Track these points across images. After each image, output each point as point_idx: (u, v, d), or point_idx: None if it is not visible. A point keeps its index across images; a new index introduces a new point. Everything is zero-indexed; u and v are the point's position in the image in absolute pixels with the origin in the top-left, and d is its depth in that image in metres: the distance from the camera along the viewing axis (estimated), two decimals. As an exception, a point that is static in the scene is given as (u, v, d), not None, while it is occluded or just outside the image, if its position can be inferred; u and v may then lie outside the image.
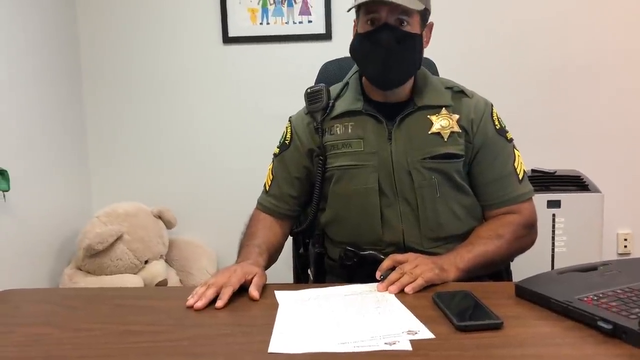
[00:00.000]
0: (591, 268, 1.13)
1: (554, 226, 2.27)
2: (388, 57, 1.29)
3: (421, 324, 0.95)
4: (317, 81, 1.66)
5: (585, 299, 0.96)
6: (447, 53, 2.21)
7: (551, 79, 2.68)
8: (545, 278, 1.09)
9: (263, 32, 2.74)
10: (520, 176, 1.37)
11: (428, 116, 1.35)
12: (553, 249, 2.27)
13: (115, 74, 2.80)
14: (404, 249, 1.31)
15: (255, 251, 1.30)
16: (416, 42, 1.31)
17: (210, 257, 2.71)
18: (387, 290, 1.11)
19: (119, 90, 2.81)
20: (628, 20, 2.65)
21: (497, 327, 0.92)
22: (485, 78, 2.61)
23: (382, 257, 1.24)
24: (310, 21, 2.73)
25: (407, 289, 1.10)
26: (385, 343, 0.88)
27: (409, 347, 0.86)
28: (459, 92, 1.39)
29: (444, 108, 1.36)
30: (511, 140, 1.40)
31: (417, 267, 1.15)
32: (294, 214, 1.46)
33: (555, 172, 2.40)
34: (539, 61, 2.68)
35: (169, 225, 2.63)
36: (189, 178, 2.84)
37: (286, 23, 2.73)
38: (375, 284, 1.15)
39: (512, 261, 1.44)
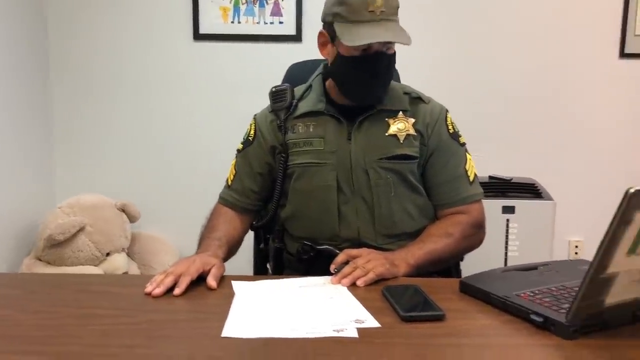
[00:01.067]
0: (532, 268, 1.20)
1: (507, 231, 2.37)
2: (376, 82, 1.38)
3: (369, 314, 1.01)
4: (284, 81, 1.71)
5: (522, 294, 1.03)
6: (411, 62, 2.29)
7: (510, 90, 2.79)
8: (488, 275, 1.16)
9: (234, 30, 2.77)
10: (471, 178, 1.44)
11: (386, 119, 1.41)
12: (506, 253, 2.37)
13: (83, 67, 2.79)
14: (359, 244, 1.36)
15: (215, 244, 1.34)
16: (395, 61, 1.40)
17: (172, 252, 2.73)
18: (340, 282, 1.17)
19: (86, 83, 2.80)
20: (580, 35, 2.78)
21: (440, 318, 0.98)
22: (448, 87, 2.70)
23: (337, 251, 1.29)
24: (281, 22, 2.77)
25: (358, 282, 1.16)
26: (334, 330, 0.93)
27: (355, 335, 0.92)
28: (417, 98, 1.47)
29: (401, 112, 1.43)
30: (464, 144, 1.47)
31: (370, 262, 1.21)
32: (254, 209, 1.50)
33: (512, 179, 2.50)
34: (499, 73, 2.79)
35: (132, 219, 2.64)
36: (154, 173, 2.85)
37: (257, 23, 2.77)
38: (329, 277, 1.20)
39: (461, 260, 1.51)
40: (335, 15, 1.34)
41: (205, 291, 1.14)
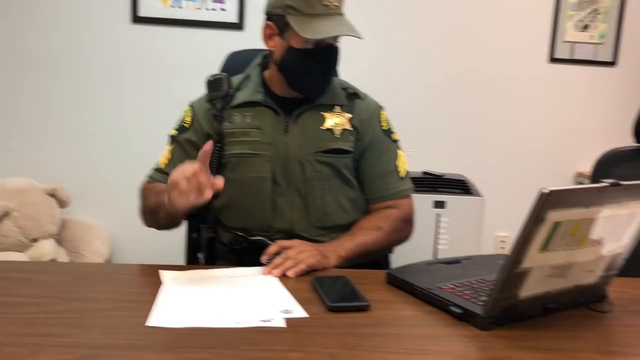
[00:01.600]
0: (455, 261, 1.26)
1: (438, 225, 2.44)
2: (326, 74, 1.42)
3: (297, 304, 1.02)
4: (222, 70, 1.69)
5: (444, 287, 1.08)
6: (349, 58, 2.32)
7: (445, 90, 2.88)
8: (414, 268, 1.20)
9: (174, 15, 2.72)
10: (402, 174, 1.48)
11: (322, 113, 1.44)
12: (436, 246, 2.44)
13: (17, 48, 2.67)
14: (292, 236, 1.37)
15: None
16: (340, 55, 1.43)
17: (104, 239, 2.66)
18: (270, 273, 1.18)
19: (21, 64, 2.68)
20: (512, 40, 2.89)
21: (365, 309, 1.01)
22: (384, 85, 2.76)
23: (270, 242, 1.30)
24: (223, 9, 2.74)
25: (289, 273, 1.18)
26: (261, 320, 0.94)
27: (283, 324, 0.94)
28: (353, 94, 1.50)
29: (338, 107, 1.45)
30: (396, 141, 1.51)
31: (301, 253, 1.22)
32: None
33: (444, 175, 2.58)
34: (435, 73, 2.87)
35: (62, 204, 2.55)
36: (87, 158, 2.76)
37: (198, 9, 2.73)
38: (260, 268, 1.21)
39: (391, 252, 1.55)
40: (287, 7, 1.34)
41: (131, 279, 1.12)
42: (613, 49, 2.97)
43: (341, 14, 1.37)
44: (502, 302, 0.95)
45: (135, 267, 1.23)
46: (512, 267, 0.92)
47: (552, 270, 0.97)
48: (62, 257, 2.52)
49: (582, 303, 1.08)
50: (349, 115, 1.45)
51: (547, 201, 0.86)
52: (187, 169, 1.13)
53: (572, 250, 0.96)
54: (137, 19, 2.70)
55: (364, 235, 1.37)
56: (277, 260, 1.21)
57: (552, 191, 0.85)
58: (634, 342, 0.96)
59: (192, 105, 1.50)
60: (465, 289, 1.07)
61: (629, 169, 1.65)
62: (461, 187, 2.53)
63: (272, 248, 1.25)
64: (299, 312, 0.99)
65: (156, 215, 1.36)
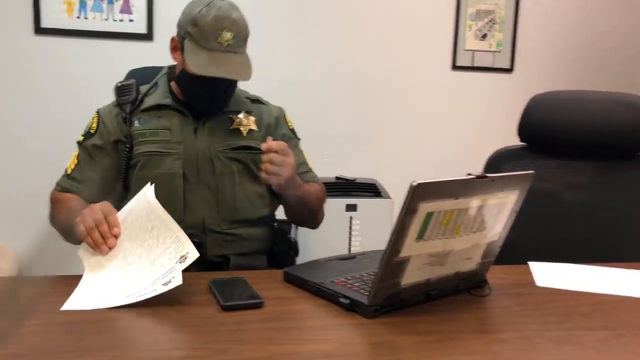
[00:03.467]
0: (351, 257, 1.32)
1: (350, 227, 2.52)
2: (215, 100, 1.46)
3: (190, 243, 1.10)
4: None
5: (337, 281, 1.13)
6: (264, 67, 2.37)
7: (356, 97, 2.98)
8: (311, 265, 1.25)
9: (80, 26, 2.66)
10: (310, 166, 1.61)
11: (229, 116, 1.51)
12: (349, 248, 2.51)
13: None
14: (204, 230, 1.43)
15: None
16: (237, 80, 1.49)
17: (7, 256, 2.55)
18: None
19: None
20: (417, 48, 3.04)
21: (258, 305, 1.04)
22: (298, 93, 2.83)
23: None
24: (131, 20, 2.72)
25: (271, 179, 1.30)
26: (163, 284, 1.04)
27: (180, 282, 1.04)
28: (256, 101, 1.59)
29: (243, 112, 1.53)
30: (299, 139, 1.63)
31: (283, 169, 1.30)
32: (94, 199, 1.46)
33: (355, 179, 2.66)
34: (345, 81, 2.97)
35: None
36: (-11, 173, 2.65)
37: (105, 20, 2.69)
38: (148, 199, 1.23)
39: (314, 227, 1.61)
40: (187, 33, 1.40)
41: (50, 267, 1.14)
42: (510, 56, 3.17)
43: (237, 52, 1.40)
44: (385, 290, 1.01)
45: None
46: (390, 257, 0.98)
47: (430, 258, 1.04)
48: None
49: (464, 289, 1.16)
50: (253, 118, 1.53)
51: (417, 193, 0.93)
52: (98, 213, 1.18)
53: (448, 239, 1.04)
54: (40, 30, 2.63)
55: (309, 187, 1.51)
56: (262, 157, 1.30)
57: (420, 184, 0.92)
58: (505, 321, 1.05)
59: (98, 112, 1.53)
60: (356, 281, 1.13)
61: (516, 165, 1.78)
62: (372, 190, 2.61)
63: (272, 145, 1.30)
64: (193, 254, 1.07)
65: (67, 235, 1.36)
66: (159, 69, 1.60)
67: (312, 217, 1.56)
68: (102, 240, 1.16)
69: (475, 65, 3.14)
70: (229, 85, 1.47)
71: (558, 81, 3.15)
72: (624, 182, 1.64)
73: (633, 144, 1.62)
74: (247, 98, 1.57)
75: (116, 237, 1.17)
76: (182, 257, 1.07)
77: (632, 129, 1.60)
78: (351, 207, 2.51)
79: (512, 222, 1.16)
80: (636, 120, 1.60)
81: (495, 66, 3.16)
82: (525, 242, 1.77)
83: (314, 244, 2.48)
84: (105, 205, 1.21)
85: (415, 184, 0.92)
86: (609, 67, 3.22)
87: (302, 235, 2.52)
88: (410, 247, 0.99)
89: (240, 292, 1.10)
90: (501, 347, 0.92)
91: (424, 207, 0.96)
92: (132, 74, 1.76)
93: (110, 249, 1.16)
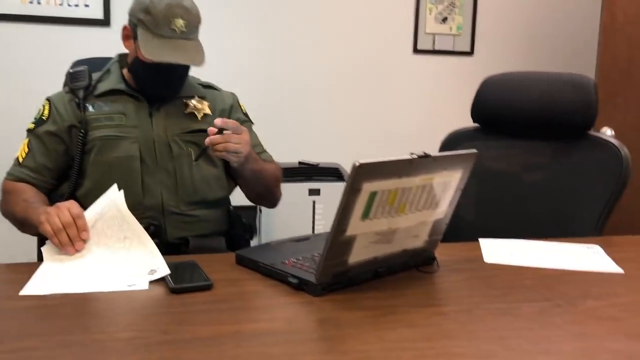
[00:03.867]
0: (304, 239, 1.33)
1: (314, 212, 2.54)
2: (169, 86, 1.49)
3: (162, 258, 1.14)
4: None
5: (287, 262, 1.14)
6: (228, 56, 2.37)
7: (318, 82, 2.99)
8: (263, 247, 1.27)
9: (34, 11, 2.60)
10: (264, 148, 1.64)
11: (184, 101, 1.53)
12: (313, 233, 2.53)
13: None
14: (162, 212, 1.45)
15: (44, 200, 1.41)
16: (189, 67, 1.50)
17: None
18: (211, 142, 1.31)
19: None
20: (379, 33, 3.05)
21: (207, 288, 1.05)
22: (261, 79, 2.83)
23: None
24: (87, 5, 2.67)
25: (230, 157, 1.34)
26: (127, 285, 1.05)
27: (146, 287, 1.05)
28: (208, 87, 1.61)
29: (197, 97, 1.55)
30: (253, 123, 1.65)
31: (241, 146, 1.33)
32: (48, 187, 1.48)
33: (318, 164, 2.68)
34: (308, 67, 2.97)
35: None
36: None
37: (60, 5, 2.63)
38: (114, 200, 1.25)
39: (273, 205, 1.66)
40: (139, 20, 1.40)
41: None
42: (470, 39, 3.21)
43: (190, 39, 1.42)
44: (332, 269, 1.03)
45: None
46: (336, 236, 0.99)
47: (376, 236, 1.06)
48: None
49: (412, 266, 1.19)
50: (207, 103, 1.55)
51: (359, 173, 0.95)
52: (66, 214, 1.17)
53: (393, 217, 1.06)
54: (-8, 16, 2.56)
55: (264, 164, 1.55)
56: (219, 138, 1.31)
57: (362, 164, 0.94)
58: (449, 295, 1.08)
59: (49, 99, 1.51)
60: (307, 261, 1.14)
61: (469, 146, 1.80)
62: (335, 174, 2.63)
63: (219, 121, 1.33)
64: (163, 270, 1.09)
65: (23, 227, 1.36)
66: (106, 59, 1.60)
67: (269, 194, 1.59)
68: (70, 243, 1.16)
69: (436, 48, 3.17)
70: (183, 71, 1.48)
71: (517, 64, 3.21)
72: (574, 161, 1.69)
73: (581, 123, 1.66)
74: (199, 84, 1.59)
75: (84, 241, 1.17)
76: (152, 270, 1.09)
77: (580, 108, 1.64)
78: (314, 192, 2.53)
79: (458, 200, 1.19)
80: (583, 99, 1.64)
81: (455, 49, 3.20)
82: (480, 221, 1.82)
83: (278, 229, 2.50)
84: (73, 206, 1.20)
85: (357, 163, 0.94)
86: (565, 49, 3.29)
87: (266, 220, 2.54)
88: (355, 226, 1.01)
89: (190, 275, 1.10)
90: (441, 320, 0.95)
91: (368, 187, 0.97)
92: (78, 64, 1.73)
93: (78, 251, 1.16)
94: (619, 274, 1.20)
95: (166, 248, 1.40)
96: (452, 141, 1.84)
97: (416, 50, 3.14)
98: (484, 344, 0.86)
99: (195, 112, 1.52)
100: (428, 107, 3.18)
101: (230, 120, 1.36)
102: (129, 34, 1.46)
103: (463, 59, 3.21)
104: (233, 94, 1.64)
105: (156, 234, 1.41)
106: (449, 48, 3.19)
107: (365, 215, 1.01)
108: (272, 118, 2.85)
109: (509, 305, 1.01)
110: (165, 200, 1.45)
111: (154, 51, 1.38)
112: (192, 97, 1.53)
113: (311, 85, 2.98)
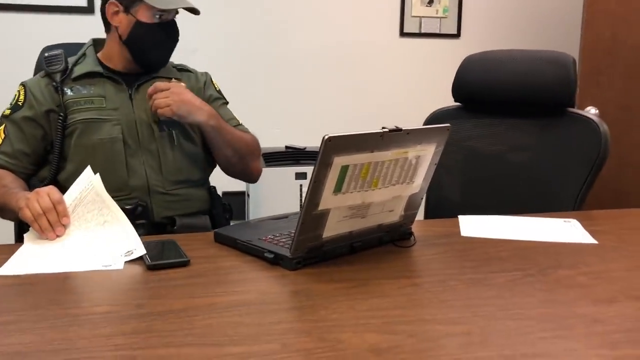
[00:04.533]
0: (283, 217, 1.35)
1: (301, 195, 2.55)
2: (171, 47, 1.54)
3: (139, 240, 1.14)
4: (36, 66, 1.69)
5: (264, 238, 1.15)
6: (211, 38, 2.37)
7: (305, 66, 2.99)
8: (242, 225, 1.28)
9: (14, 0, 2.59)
10: (240, 122, 1.66)
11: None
12: (300, 216, 2.55)
13: None
14: (148, 192, 1.47)
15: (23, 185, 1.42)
16: None
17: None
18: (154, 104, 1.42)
19: None
20: (366, 16, 3.05)
21: (184, 264, 1.07)
22: (246, 63, 2.82)
23: (127, 207, 1.35)
24: (70, -7, 2.65)
25: (166, 111, 1.41)
26: (103, 265, 1.06)
27: (121, 267, 1.06)
28: (182, 69, 1.64)
29: (174, 79, 1.55)
30: (227, 102, 1.69)
31: (168, 99, 1.41)
32: (27, 172, 1.48)
33: (305, 148, 2.68)
34: (294, 50, 2.97)
35: None
36: None
37: (43, -7, 2.62)
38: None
39: (250, 179, 1.69)
40: None
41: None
42: (456, 21, 3.21)
43: None
44: (306, 243, 1.04)
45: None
46: (308, 210, 1.00)
47: (350, 211, 1.07)
48: None
49: (388, 241, 1.20)
50: (184, 84, 1.55)
51: (329, 147, 0.96)
52: (45, 200, 1.18)
53: (366, 192, 1.07)
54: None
55: (233, 130, 1.56)
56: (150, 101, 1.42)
57: (331, 137, 0.95)
58: (423, 268, 1.10)
59: (23, 84, 1.51)
60: (283, 238, 1.15)
61: (452, 124, 1.83)
62: (322, 157, 2.64)
63: (151, 90, 1.43)
64: (140, 250, 1.09)
65: (2, 212, 1.37)
66: (78, 45, 1.61)
67: (242, 164, 1.60)
68: (50, 228, 1.17)
69: (423, 31, 3.17)
70: (177, 35, 1.53)
71: (503, 45, 3.15)
72: (554, 138, 1.70)
73: (560, 100, 1.68)
74: (174, 67, 1.62)
75: (65, 226, 1.18)
76: (128, 251, 1.10)
77: (558, 85, 1.65)
78: (301, 175, 2.53)
79: (432, 174, 1.20)
80: (562, 76, 1.65)
81: (442, 32, 3.19)
82: (464, 200, 1.83)
83: (266, 213, 2.49)
84: (52, 192, 1.20)
85: (327, 137, 0.95)
86: (550, 29, 3.28)
87: (254, 204, 2.55)
88: (328, 200, 1.02)
89: (168, 253, 1.11)
90: (414, 290, 0.96)
91: (339, 161, 0.98)
92: (51, 49, 1.72)
93: (59, 236, 1.17)
94: (593, 245, 1.22)
95: (153, 228, 1.45)
96: (433, 121, 1.85)
97: (403, 34, 3.14)
98: (455, 311, 0.88)
99: None
100: (415, 90, 3.18)
101: (160, 83, 1.44)
102: (117, 9, 1.47)
103: (450, 42, 3.21)
104: (206, 73, 1.68)
105: (144, 214, 1.43)
106: (436, 31, 3.19)
107: (338, 189, 1.02)
108: (259, 102, 2.86)
109: (482, 276, 1.03)
110: (150, 180, 1.47)
111: (164, 2, 1.44)
112: (170, 80, 1.54)
113: (298, 69, 2.98)
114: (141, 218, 1.43)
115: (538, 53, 1.73)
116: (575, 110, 1.70)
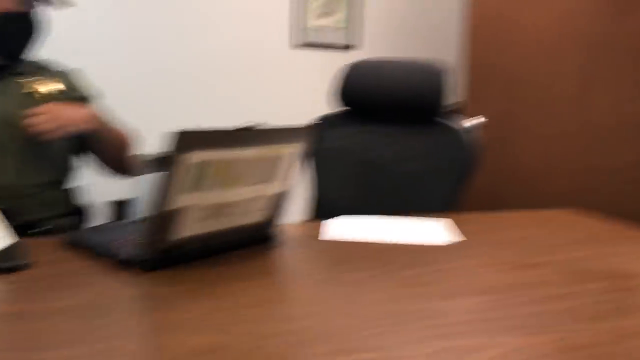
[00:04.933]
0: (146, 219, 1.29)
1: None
2: (22, 40, 1.45)
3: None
4: None
5: (119, 241, 1.10)
6: (94, 46, 2.26)
7: (196, 79, 2.94)
8: (100, 228, 1.23)
9: None
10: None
11: (19, 81, 1.47)
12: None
13: None
14: (15, 193, 1.41)
15: None
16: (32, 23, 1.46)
17: None
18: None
19: None
20: (256, 26, 3.05)
21: (23, 267, 0.99)
22: (121, 72, 2.73)
23: None
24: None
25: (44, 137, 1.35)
26: None
27: None
28: (47, 66, 1.57)
29: (36, 77, 1.49)
30: (98, 98, 1.64)
31: (50, 123, 1.34)
32: None
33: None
34: (186, 56, 2.91)
35: None
36: None
37: None
38: None
39: (127, 174, 1.64)
40: None
41: None
42: (354, 32, 3.27)
43: None
44: (159, 244, 1.00)
45: None
46: (157, 208, 0.96)
47: (207, 210, 1.04)
48: None
49: (249, 242, 1.18)
50: (48, 82, 1.50)
51: (181, 142, 0.92)
52: None
53: (224, 191, 1.05)
54: None
55: (113, 127, 1.55)
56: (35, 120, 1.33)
57: (182, 132, 0.92)
58: (275, 269, 1.09)
59: None
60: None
61: (334, 131, 1.86)
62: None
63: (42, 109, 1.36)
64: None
65: None
66: None
67: (119, 158, 1.57)
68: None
69: (319, 42, 3.20)
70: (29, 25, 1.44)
71: (400, 54, 3.32)
72: (424, 145, 1.76)
73: (431, 109, 1.74)
74: (36, 63, 1.55)
75: None
76: None
77: (428, 94, 1.72)
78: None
79: (296, 175, 1.19)
80: (432, 86, 1.72)
81: (338, 42, 3.24)
82: (344, 203, 1.86)
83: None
84: None
85: (178, 131, 0.92)
86: (445, 40, 3.43)
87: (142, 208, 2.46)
88: (181, 199, 0.98)
89: (8, 256, 1.03)
90: (262, 290, 0.94)
91: (193, 157, 0.95)
92: None
93: None
94: (452, 244, 1.26)
95: (23, 230, 1.32)
96: (321, 123, 1.86)
97: (296, 45, 3.15)
98: (297, 309, 0.87)
99: (33, 93, 1.47)
100: (309, 103, 3.20)
101: (36, 110, 1.37)
102: None
103: (347, 53, 3.26)
104: (76, 69, 1.62)
105: (11, 216, 1.33)
106: (332, 41, 3.23)
107: (193, 187, 0.99)
108: (139, 110, 2.78)
109: (329, 276, 1.03)
110: (16, 181, 1.41)
111: None
112: (30, 77, 1.48)
113: (180, 76, 2.92)
114: (9, 220, 1.33)
115: (415, 62, 1.79)
116: (443, 120, 1.76)
